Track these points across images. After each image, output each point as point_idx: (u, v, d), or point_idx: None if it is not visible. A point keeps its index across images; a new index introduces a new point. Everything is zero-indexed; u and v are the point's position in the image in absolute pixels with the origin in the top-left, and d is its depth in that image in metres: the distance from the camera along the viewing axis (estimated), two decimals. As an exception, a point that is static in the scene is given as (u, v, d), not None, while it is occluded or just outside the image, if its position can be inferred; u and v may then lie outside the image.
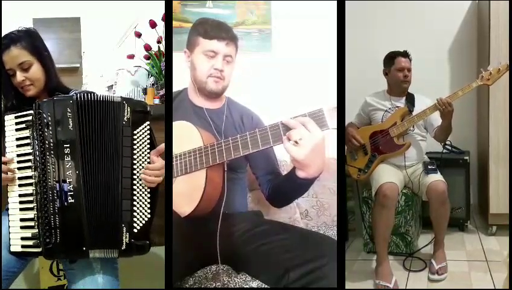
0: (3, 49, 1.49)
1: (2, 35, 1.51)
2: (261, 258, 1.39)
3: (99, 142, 1.39)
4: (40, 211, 1.35)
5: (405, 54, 2.28)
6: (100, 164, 1.38)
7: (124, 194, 1.39)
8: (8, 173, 1.40)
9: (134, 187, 1.41)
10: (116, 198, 1.39)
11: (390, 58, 2.30)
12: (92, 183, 1.37)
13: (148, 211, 1.43)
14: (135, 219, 1.41)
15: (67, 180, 1.34)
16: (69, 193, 1.34)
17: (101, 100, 1.40)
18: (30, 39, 1.53)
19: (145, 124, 1.42)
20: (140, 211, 1.42)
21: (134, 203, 1.41)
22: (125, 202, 1.40)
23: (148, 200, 1.43)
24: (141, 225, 1.41)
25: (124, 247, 1.39)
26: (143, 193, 1.42)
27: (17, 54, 1.49)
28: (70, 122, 1.36)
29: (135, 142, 1.41)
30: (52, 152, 1.34)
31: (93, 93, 1.43)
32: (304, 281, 1.23)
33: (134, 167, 1.41)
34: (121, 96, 1.43)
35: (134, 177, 1.41)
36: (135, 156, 1.41)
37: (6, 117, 1.43)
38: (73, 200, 1.34)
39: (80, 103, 1.38)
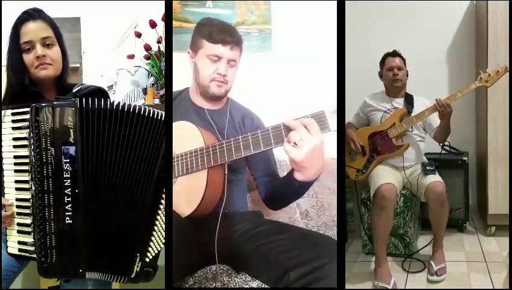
0: (23, 21, 1.38)
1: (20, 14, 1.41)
2: (261, 258, 1.39)
3: (121, 160, 1.29)
4: (36, 227, 1.27)
5: (394, 54, 2.31)
6: (116, 185, 1.29)
7: (147, 223, 1.32)
8: (7, 220, 1.32)
9: (158, 217, 1.34)
10: (136, 226, 1.32)
11: (382, 60, 2.34)
12: (99, 207, 1.29)
13: (163, 240, 1.36)
14: (150, 249, 1.35)
15: (66, 200, 1.25)
16: (67, 213, 1.26)
17: (132, 112, 1.29)
18: (53, 21, 1.43)
19: None
20: (157, 241, 1.35)
21: (154, 233, 1.34)
22: (145, 232, 1.33)
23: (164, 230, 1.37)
24: (154, 254, 1.36)
25: (133, 275, 1.34)
26: (162, 223, 1.35)
27: (41, 27, 1.38)
28: (72, 134, 1.25)
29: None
30: (49, 167, 1.24)
31: (126, 104, 1.30)
32: (304, 281, 1.23)
33: (163, 195, 1.33)
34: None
35: (161, 206, 1.33)
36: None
37: (3, 112, 1.31)
38: (71, 221, 1.26)
39: (87, 111, 1.26)
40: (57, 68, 1.45)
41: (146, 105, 1.39)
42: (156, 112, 1.32)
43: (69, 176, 1.25)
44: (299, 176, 1.26)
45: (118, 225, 1.32)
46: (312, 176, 1.25)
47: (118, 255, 1.33)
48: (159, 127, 1.32)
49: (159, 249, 1.37)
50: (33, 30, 1.38)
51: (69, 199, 1.26)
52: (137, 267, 1.33)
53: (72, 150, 1.25)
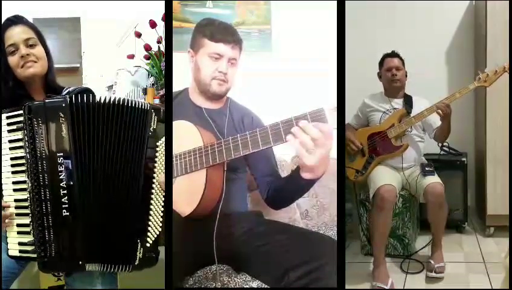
0: (6, 27, 1.45)
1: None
2: (261, 258, 1.40)
3: (110, 153, 1.33)
4: (34, 223, 1.30)
5: (392, 54, 2.31)
6: (109, 176, 1.33)
7: (142, 209, 1.36)
8: (6, 220, 1.33)
9: (152, 202, 1.38)
10: (132, 213, 1.36)
11: (381, 61, 2.34)
12: (95, 198, 1.32)
13: (160, 224, 1.40)
14: (149, 233, 1.38)
15: (62, 193, 1.28)
16: (64, 206, 1.29)
17: (117, 104, 1.34)
18: (34, 25, 1.50)
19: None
20: (154, 226, 1.39)
21: (150, 217, 1.38)
22: (141, 217, 1.37)
23: (162, 214, 1.40)
24: (153, 238, 1.39)
25: (137, 262, 1.37)
26: (158, 206, 1.40)
27: (23, 30, 1.45)
28: (64, 129, 1.29)
29: (157, 154, 1.38)
30: (44, 162, 1.28)
31: (112, 97, 1.36)
32: (304, 281, 1.24)
33: (154, 181, 1.38)
34: (150, 104, 1.39)
35: (152, 191, 1.38)
36: (155, 169, 1.38)
37: None
38: (68, 213, 1.29)
39: (77, 106, 1.31)
40: (43, 65, 1.51)
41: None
42: (137, 102, 1.37)
43: (63, 169, 1.29)
44: (307, 175, 1.31)
45: (114, 213, 1.35)
46: (319, 174, 1.30)
47: (118, 244, 1.36)
48: (141, 115, 1.36)
49: (158, 232, 1.40)
50: (16, 33, 1.45)
51: (65, 191, 1.29)
52: (139, 253, 1.36)
53: (65, 144, 1.29)
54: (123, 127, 1.34)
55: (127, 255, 1.36)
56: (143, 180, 1.36)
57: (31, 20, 1.55)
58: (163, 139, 1.41)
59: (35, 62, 1.48)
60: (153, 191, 1.39)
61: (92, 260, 1.34)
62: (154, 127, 1.38)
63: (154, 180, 1.39)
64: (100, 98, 1.34)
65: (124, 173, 1.35)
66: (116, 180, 1.34)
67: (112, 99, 1.35)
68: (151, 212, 1.38)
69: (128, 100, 1.36)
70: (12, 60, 1.47)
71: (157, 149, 1.39)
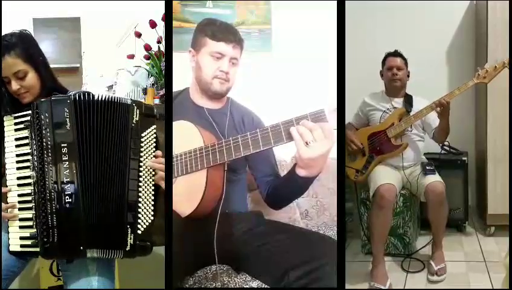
0: (3, 52, 1.47)
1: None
2: (261, 258, 1.40)
3: (104, 143, 1.40)
4: (37, 210, 1.36)
5: (394, 54, 2.31)
6: (103, 164, 1.39)
7: (130, 196, 1.40)
8: (8, 210, 1.41)
9: (140, 189, 1.42)
10: (121, 199, 1.40)
11: (383, 60, 2.34)
12: (93, 184, 1.38)
13: (152, 212, 1.43)
14: (139, 221, 1.41)
15: (65, 181, 1.35)
16: (66, 193, 1.35)
17: (107, 101, 1.41)
18: (23, 45, 1.49)
19: (153, 127, 1.45)
20: (145, 213, 1.42)
21: (139, 205, 1.41)
22: (130, 204, 1.40)
23: (153, 202, 1.44)
24: (145, 226, 1.42)
25: (128, 248, 1.39)
26: (148, 194, 1.43)
27: (11, 63, 1.47)
28: (68, 122, 1.37)
29: (142, 144, 1.43)
30: (50, 153, 1.35)
31: (103, 94, 1.43)
32: (304, 281, 1.24)
33: (141, 169, 1.42)
34: (131, 99, 1.45)
35: (140, 179, 1.42)
36: (141, 159, 1.42)
37: (5, 118, 1.45)
38: (70, 200, 1.35)
39: (80, 103, 1.39)
40: (35, 92, 1.53)
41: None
42: (120, 98, 1.44)
43: (66, 159, 1.36)
44: (301, 172, 1.30)
45: (108, 200, 1.40)
46: (315, 173, 1.30)
47: (109, 230, 1.40)
48: (124, 108, 1.43)
49: (149, 221, 1.43)
50: (7, 67, 1.47)
51: (68, 179, 1.36)
52: (130, 239, 1.40)
53: (69, 136, 1.37)
54: (114, 119, 1.42)
55: (118, 241, 1.40)
56: (129, 168, 1.41)
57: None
58: (148, 130, 1.44)
59: (27, 92, 1.52)
60: (141, 179, 1.42)
61: (91, 246, 1.38)
62: (137, 119, 1.42)
63: (141, 169, 1.43)
64: (99, 96, 1.42)
65: (113, 161, 1.41)
66: (107, 168, 1.40)
67: (102, 97, 1.42)
68: (140, 199, 1.42)
69: (112, 97, 1.44)
70: (10, 88, 1.51)
71: (142, 139, 1.43)
